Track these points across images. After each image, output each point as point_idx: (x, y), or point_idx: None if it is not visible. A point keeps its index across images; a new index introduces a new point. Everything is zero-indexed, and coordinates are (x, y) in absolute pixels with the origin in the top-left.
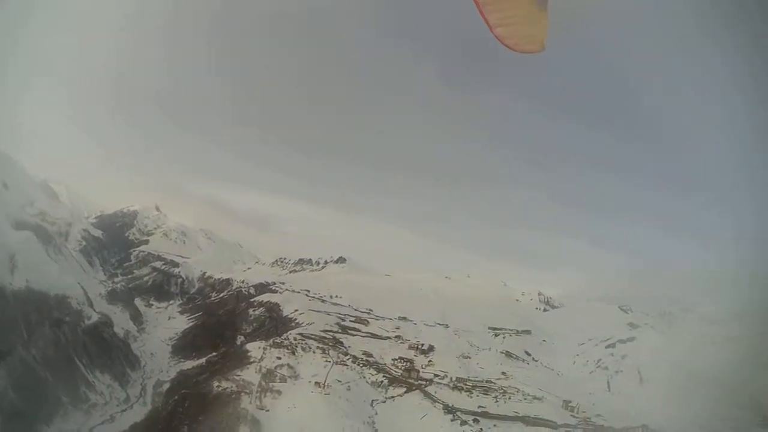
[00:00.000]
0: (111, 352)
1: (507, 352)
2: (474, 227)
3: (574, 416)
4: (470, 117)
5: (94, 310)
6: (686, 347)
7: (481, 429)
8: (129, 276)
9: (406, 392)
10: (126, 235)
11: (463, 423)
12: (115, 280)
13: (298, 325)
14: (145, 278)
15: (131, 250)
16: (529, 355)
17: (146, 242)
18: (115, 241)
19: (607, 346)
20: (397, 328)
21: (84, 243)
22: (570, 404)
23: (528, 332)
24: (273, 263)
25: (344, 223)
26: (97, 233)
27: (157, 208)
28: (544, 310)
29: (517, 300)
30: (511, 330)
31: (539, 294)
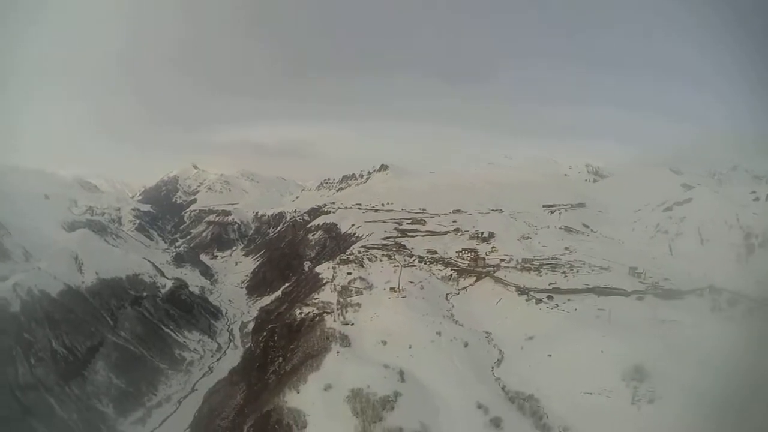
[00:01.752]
0: (192, 310)
1: (566, 227)
2: (503, 111)
3: (642, 282)
4: None
5: (167, 278)
6: (739, 205)
7: (556, 305)
8: (188, 237)
9: (476, 281)
10: (173, 200)
11: (538, 302)
12: (177, 244)
13: (358, 238)
14: (204, 234)
15: (183, 213)
16: (587, 227)
17: (194, 201)
18: (165, 210)
19: (665, 210)
20: (454, 222)
21: (137, 221)
22: (636, 270)
23: (582, 205)
24: (319, 186)
25: (377, 132)
26: (146, 208)
27: (195, 166)
28: (594, 180)
29: (566, 174)
30: (566, 205)
31: (587, 165)
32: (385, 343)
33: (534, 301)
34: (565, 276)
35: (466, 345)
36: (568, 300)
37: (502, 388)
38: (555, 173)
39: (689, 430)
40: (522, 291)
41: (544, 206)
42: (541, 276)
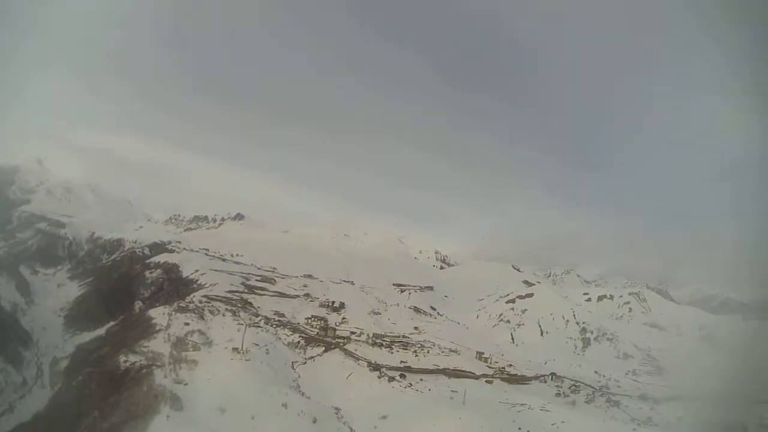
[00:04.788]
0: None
1: (415, 307)
2: (370, 185)
3: (489, 367)
4: (368, 72)
5: None
6: (574, 303)
7: (410, 384)
8: (11, 240)
9: (325, 351)
10: (6, 194)
11: (391, 379)
12: None
13: (200, 286)
14: (29, 242)
15: (13, 211)
16: (434, 309)
17: (29, 201)
18: None
19: (507, 302)
20: (305, 286)
21: None
22: (483, 355)
23: (431, 288)
24: (167, 221)
25: (240, 177)
26: None
27: (39, 162)
28: (441, 267)
29: (416, 257)
30: (415, 286)
31: (436, 252)
32: (224, 410)
33: (387, 378)
34: (416, 355)
35: (314, 421)
36: (421, 380)
37: None
38: (406, 254)
39: None
40: (374, 367)
41: (394, 284)
42: (392, 353)
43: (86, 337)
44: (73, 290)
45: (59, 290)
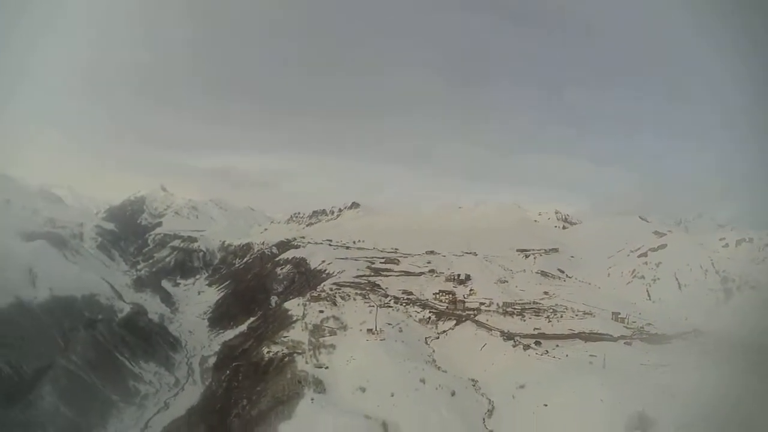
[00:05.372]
0: (150, 338)
1: (542, 271)
2: (477, 155)
3: (627, 327)
4: (461, 44)
5: (125, 302)
6: (711, 250)
7: (546, 351)
8: (150, 260)
9: (456, 324)
10: (138, 221)
11: (526, 347)
12: (138, 267)
13: (329, 275)
14: (167, 259)
15: (147, 235)
16: (562, 272)
17: (160, 224)
18: (129, 230)
19: (639, 255)
20: (429, 263)
21: (100, 239)
22: (619, 316)
23: (555, 250)
24: (288, 220)
25: (350, 169)
26: (110, 226)
27: (164, 189)
28: (564, 228)
29: (535, 221)
30: (539, 250)
31: (556, 212)
32: (364, 390)
33: (521, 347)
34: (549, 321)
35: (453, 394)
36: (557, 346)
37: None
38: (525, 219)
39: None
40: (507, 336)
41: (517, 250)
42: (524, 321)
43: (230, 334)
44: (212, 295)
45: (200, 297)
